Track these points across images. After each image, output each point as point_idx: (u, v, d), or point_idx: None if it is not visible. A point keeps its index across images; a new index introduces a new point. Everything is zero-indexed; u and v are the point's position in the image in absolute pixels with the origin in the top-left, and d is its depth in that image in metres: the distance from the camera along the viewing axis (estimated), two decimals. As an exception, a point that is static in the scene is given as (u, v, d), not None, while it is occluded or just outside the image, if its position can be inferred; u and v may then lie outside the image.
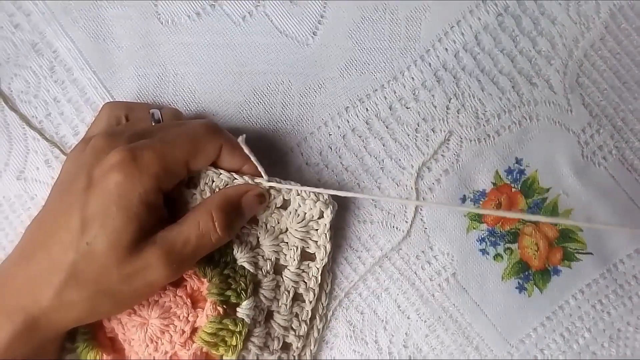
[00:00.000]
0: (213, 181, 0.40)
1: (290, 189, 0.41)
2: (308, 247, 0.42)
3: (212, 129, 0.39)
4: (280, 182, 0.40)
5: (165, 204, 0.38)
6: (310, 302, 0.42)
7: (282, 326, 0.41)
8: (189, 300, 0.40)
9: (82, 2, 0.46)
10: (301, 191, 0.41)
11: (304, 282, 0.42)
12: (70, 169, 0.39)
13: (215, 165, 0.40)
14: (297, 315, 0.42)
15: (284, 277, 0.41)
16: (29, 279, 0.36)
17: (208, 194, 0.40)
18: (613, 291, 0.46)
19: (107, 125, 0.41)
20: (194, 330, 0.40)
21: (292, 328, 0.42)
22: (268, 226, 0.42)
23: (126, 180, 0.35)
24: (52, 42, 0.46)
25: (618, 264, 0.46)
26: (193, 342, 0.39)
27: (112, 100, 0.45)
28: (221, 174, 0.40)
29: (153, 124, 0.40)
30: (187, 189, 0.40)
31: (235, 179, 0.40)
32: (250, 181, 0.40)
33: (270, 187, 0.41)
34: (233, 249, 0.41)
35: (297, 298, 0.42)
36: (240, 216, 0.40)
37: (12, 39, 0.46)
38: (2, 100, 0.46)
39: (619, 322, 0.46)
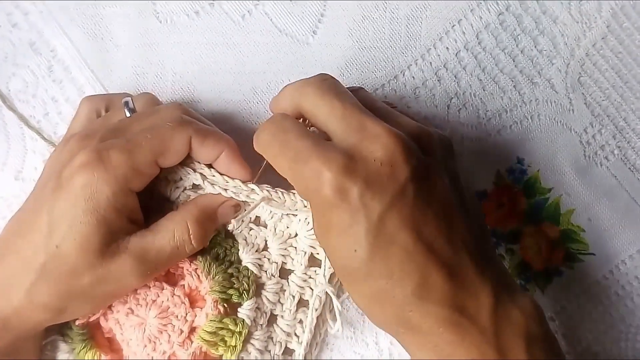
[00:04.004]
0: (195, 184, 0.40)
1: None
2: (317, 253, 0.41)
3: (178, 121, 0.37)
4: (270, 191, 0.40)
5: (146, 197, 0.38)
6: (316, 310, 0.41)
7: (284, 331, 0.41)
8: (187, 299, 0.40)
9: (80, 0, 0.46)
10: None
11: (311, 288, 0.41)
12: (47, 169, 0.39)
13: (189, 157, 0.39)
14: (301, 322, 0.41)
15: (290, 282, 0.41)
16: (1, 278, 0.36)
17: (192, 196, 0.40)
18: (615, 292, 0.45)
19: (87, 120, 0.41)
20: (192, 329, 0.39)
21: (295, 334, 0.41)
22: (277, 230, 0.41)
23: (92, 182, 0.35)
24: (50, 41, 0.46)
25: (620, 265, 0.46)
26: (191, 341, 0.39)
27: (88, 95, 0.44)
28: (214, 184, 0.39)
29: (128, 114, 0.40)
30: (169, 187, 0.40)
31: (227, 184, 0.40)
32: (244, 187, 0.40)
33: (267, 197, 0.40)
34: (239, 250, 0.40)
35: (302, 304, 0.41)
36: (215, 226, 0.40)
37: (10, 38, 0.46)
38: (0, 99, 0.46)
39: (620, 324, 0.45)
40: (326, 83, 0.35)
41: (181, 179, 0.40)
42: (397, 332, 0.35)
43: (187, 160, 0.39)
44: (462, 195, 0.35)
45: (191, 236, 0.38)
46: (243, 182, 0.40)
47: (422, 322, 0.33)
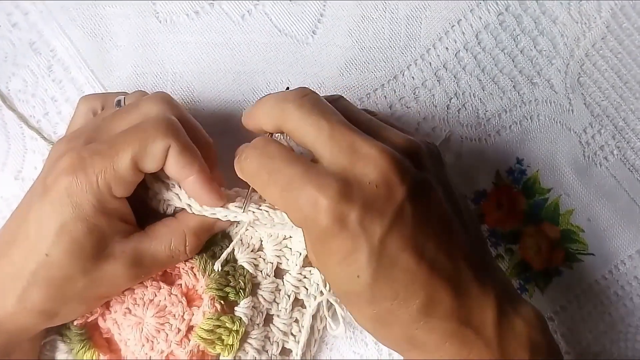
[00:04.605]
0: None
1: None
2: None
3: (161, 126, 0.35)
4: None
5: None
6: (312, 308, 0.41)
7: (281, 330, 0.41)
8: (184, 298, 0.40)
9: (80, 0, 0.46)
10: None
11: (305, 288, 0.41)
12: (42, 170, 0.38)
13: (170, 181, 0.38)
14: (297, 321, 0.41)
15: (285, 282, 0.41)
16: None
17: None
18: (614, 292, 0.45)
19: (84, 120, 0.40)
20: (189, 328, 0.39)
21: (292, 334, 0.41)
22: (272, 231, 0.41)
23: (76, 189, 0.34)
24: (50, 41, 0.46)
25: (619, 265, 0.45)
26: (189, 340, 0.39)
27: (86, 94, 0.44)
28: (201, 212, 0.38)
29: None
30: (161, 206, 0.40)
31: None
32: (232, 210, 0.38)
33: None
34: (234, 249, 0.40)
35: (297, 303, 0.42)
36: (210, 235, 0.40)
37: (10, 38, 0.46)
38: (0, 99, 0.46)
39: (620, 324, 0.45)
40: (307, 99, 0.34)
41: (172, 199, 0.39)
42: (402, 349, 0.34)
43: (169, 182, 0.38)
44: (457, 204, 0.35)
45: (187, 247, 0.38)
46: (222, 206, 0.38)
47: (428, 338, 0.32)
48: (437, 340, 0.32)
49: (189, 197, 0.38)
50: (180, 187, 0.38)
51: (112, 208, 0.35)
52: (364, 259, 0.31)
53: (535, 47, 0.45)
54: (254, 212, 0.38)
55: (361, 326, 0.35)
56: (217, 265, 0.39)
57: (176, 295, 0.39)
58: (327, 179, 0.31)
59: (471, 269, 0.33)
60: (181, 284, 0.40)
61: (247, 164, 0.34)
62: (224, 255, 0.39)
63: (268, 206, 0.38)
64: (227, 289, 0.39)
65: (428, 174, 0.34)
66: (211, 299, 0.39)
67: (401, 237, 0.31)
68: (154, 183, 0.39)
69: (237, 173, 0.35)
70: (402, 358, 0.42)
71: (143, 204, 0.39)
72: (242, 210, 0.38)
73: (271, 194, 0.33)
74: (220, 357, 0.39)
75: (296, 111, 0.33)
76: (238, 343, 0.39)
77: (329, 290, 0.40)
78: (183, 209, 0.39)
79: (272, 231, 0.41)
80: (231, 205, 0.38)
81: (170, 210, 0.40)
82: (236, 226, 0.41)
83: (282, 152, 0.33)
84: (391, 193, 0.31)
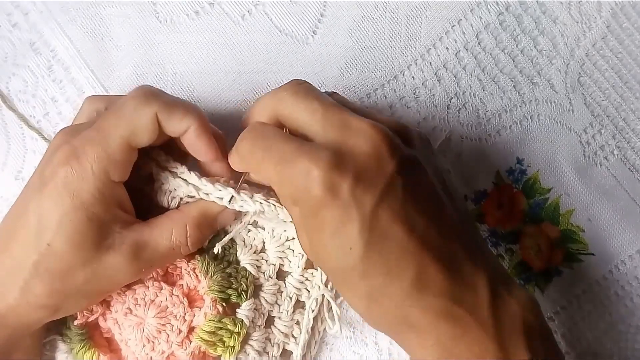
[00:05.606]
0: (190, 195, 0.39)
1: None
2: None
3: (141, 98, 0.36)
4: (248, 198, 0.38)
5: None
6: (313, 311, 0.41)
7: (282, 332, 0.41)
8: (185, 299, 0.40)
9: (80, 0, 0.46)
10: None
11: (307, 290, 0.41)
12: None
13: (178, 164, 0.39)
14: (298, 323, 0.42)
15: (287, 283, 0.41)
16: None
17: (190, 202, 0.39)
18: (614, 292, 0.45)
19: (87, 120, 0.40)
20: (190, 329, 0.39)
21: (292, 336, 0.41)
22: (275, 232, 0.41)
23: (73, 179, 0.35)
24: (50, 41, 0.46)
25: (619, 265, 0.45)
26: (190, 341, 0.39)
27: (91, 95, 0.43)
28: (208, 193, 0.38)
29: None
30: (165, 197, 0.40)
31: (220, 192, 0.38)
32: (238, 198, 0.38)
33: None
34: (237, 250, 0.40)
35: (299, 305, 0.42)
36: (212, 230, 0.40)
37: (10, 38, 0.46)
38: (0, 99, 0.46)
39: (620, 323, 0.45)
40: (302, 87, 0.35)
41: (175, 189, 0.39)
42: (396, 331, 0.34)
43: (177, 170, 0.39)
44: (446, 186, 0.35)
45: (188, 239, 0.38)
46: (236, 190, 0.38)
47: (421, 317, 0.32)
48: (431, 319, 0.32)
49: (200, 178, 0.38)
50: (186, 166, 0.39)
51: (111, 194, 0.36)
52: (356, 230, 0.31)
53: (535, 47, 0.45)
54: (260, 202, 0.38)
55: (354, 308, 0.35)
56: (218, 248, 0.39)
57: (177, 296, 0.40)
58: (320, 152, 0.32)
59: (463, 248, 0.33)
60: (183, 285, 0.40)
61: (242, 145, 0.35)
62: (226, 238, 0.39)
63: (276, 200, 0.38)
64: (229, 291, 0.39)
65: (417, 152, 0.34)
66: (213, 301, 0.39)
67: (391, 209, 0.32)
68: (160, 173, 0.39)
69: (231, 163, 0.36)
70: (400, 359, 0.43)
71: (148, 202, 0.39)
72: (235, 189, 0.38)
73: (265, 170, 0.34)
74: (221, 359, 0.39)
75: (291, 97, 0.34)
76: (239, 345, 0.39)
77: (328, 287, 0.40)
78: (187, 202, 0.39)
79: (276, 226, 0.41)
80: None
81: (174, 204, 0.40)
82: (252, 229, 0.41)
83: (276, 132, 0.34)
84: (381, 165, 0.32)
